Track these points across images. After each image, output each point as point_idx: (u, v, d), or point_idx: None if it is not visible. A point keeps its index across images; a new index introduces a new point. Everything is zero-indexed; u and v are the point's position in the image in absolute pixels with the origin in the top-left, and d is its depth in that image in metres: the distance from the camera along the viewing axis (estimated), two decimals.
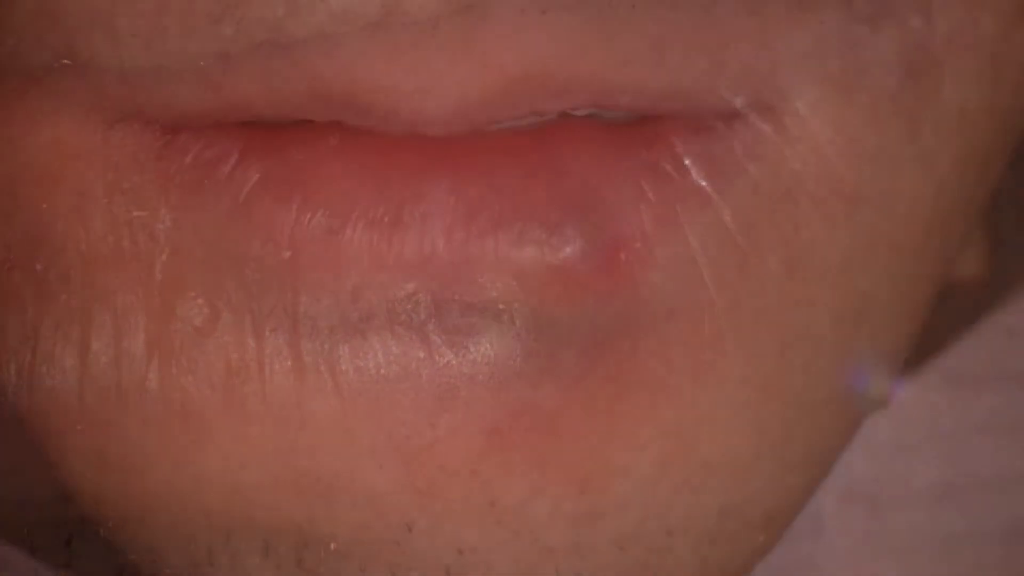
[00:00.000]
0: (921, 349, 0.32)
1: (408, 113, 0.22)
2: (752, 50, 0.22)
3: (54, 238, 0.24)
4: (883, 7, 0.23)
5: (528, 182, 0.22)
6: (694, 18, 0.22)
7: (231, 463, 0.24)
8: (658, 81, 0.22)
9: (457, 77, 0.21)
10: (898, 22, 0.23)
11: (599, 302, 0.23)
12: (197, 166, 0.23)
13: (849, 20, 0.23)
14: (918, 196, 0.25)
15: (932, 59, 0.23)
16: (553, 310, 0.23)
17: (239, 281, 0.23)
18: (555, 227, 0.22)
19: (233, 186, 0.23)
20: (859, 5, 0.23)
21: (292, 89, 0.22)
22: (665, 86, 0.22)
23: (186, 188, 0.23)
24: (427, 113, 0.22)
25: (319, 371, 0.24)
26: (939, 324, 0.31)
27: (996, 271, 0.34)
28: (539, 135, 0.23)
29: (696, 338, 0.24)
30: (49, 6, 0.22)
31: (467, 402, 0.24)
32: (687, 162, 0.23)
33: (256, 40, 0.22)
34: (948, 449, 0.32)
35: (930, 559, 0.33)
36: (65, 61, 0.23)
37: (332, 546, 0.24)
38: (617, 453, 0.24)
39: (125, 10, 0.22)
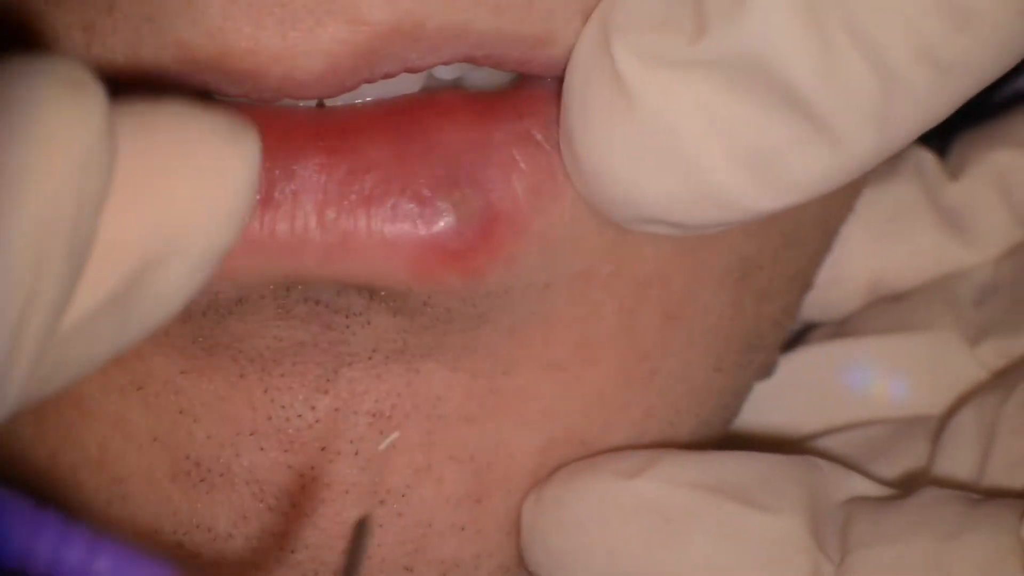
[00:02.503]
0: None
1: (277, 76, 0.21)
2: None
3: None
4: None
5: (399, 156, 0.22)
6: None
7: (109, 452, 0.24)
8: (532, 27, 0.22)
9: (325, 35, 0.21)
10: None
11: (476, 276, 0.22)
12: None
13: None
14: None
15: None
16: (430, 286, 0.22)
17: None
18: (427, 201, 0.22)
19: None
20: None
21: (159, 57, 0.21)
22: (539, 32, 0.22)
23: None
24: (297, 76, 0.21)
25: (195, 354, 0.23)
26: None
27: None
28: (409, 109, 0.22)
29: (576, 310, 0.23)
30: None
31: (348, 383, 0.23)
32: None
33: (121, 10, 0.21)
34: None
35: None
36: None
37: (212, 530, 0.24)
38: (503, 432, 0.24)
39: None
